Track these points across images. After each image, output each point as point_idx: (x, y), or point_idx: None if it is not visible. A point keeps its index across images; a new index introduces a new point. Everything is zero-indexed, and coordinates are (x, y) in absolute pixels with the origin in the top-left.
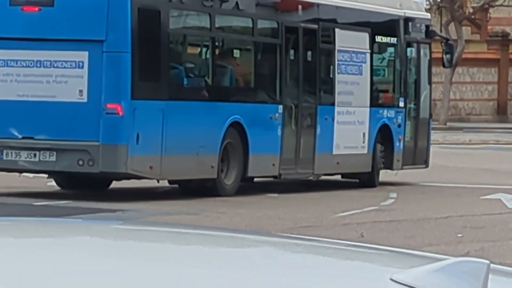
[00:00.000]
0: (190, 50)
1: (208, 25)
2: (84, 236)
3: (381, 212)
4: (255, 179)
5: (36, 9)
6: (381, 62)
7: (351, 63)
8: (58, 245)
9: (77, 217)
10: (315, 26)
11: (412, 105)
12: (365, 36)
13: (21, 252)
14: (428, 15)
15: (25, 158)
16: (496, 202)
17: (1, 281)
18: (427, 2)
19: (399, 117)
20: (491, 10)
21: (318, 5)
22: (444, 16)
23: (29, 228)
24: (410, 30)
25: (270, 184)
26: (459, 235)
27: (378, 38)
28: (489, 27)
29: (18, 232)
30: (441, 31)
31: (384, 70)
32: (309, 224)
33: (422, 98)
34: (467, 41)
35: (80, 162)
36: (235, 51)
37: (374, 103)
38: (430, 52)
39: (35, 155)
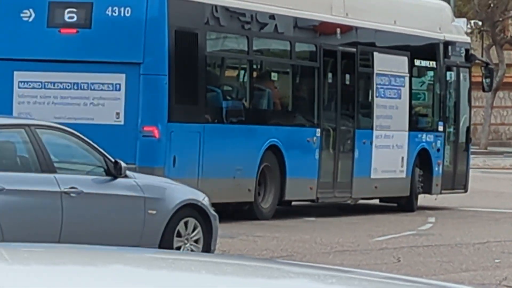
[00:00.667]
0: (228, 73)
1: (246, 48)
2: (117, 264)
3: (418, 236)
4: (293, 203)
5: (74, 31)
6: (420, 86)
7: (389, 86)
8: (92, 273)
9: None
10: (354, 49)
11: (451, 129)
12: (404, 60)
13: (55, 280)
14: (468, 39)
15: None
16: None
17: None
18: (468, 26)
19: (438, 141)
20: None
21: (356, 28)
22: (486, 40)
23: (64, 255)
24: (450, 54)
25: (308, 208)
26: (497, 261)
27: (417, 62)
28: None
29: (54, 260)
30: (482, 55)
31: (423, 94)
32: (346, 249)
33: (461, 122)
34: (509, 65)
35: None
36: (273, 74)
37: (413, 127)
38: (470, 76)
39: None
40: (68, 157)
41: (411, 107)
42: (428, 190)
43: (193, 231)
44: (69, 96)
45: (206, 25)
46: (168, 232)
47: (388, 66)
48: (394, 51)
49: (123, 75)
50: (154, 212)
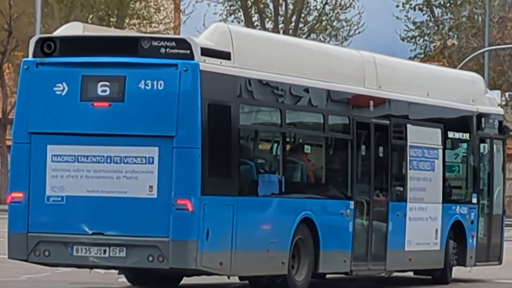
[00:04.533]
0: (261, 145)
1: (279, 121)
2: None
3: None
4: (327, 276)
5: (107, 104)
6: (454, 158)
7: (423, 159)
8: None
9: None
10: (387, 122)
11: (485, 201)
12: (438, 132)
13: None
14: (501, 111)
15: (95, 254)
16: None
17: None
18: (503, 98)
19: (472, 214)
20: None
21: (390, 100)
22: None
23: None
24: (483, 126)
25: (342, 280)
26: None
27: (451, 134)
28: None
29: None
30: None
31: (457, 166)
32: None
33: (495, 194)
34: None
35: (150, 258)
36: (306, 146)
37: (447, 199)
38: (504, 148)
39: (105, 251)
40: None
41: (444, 179)
42: (462, 262)
43: None
44: (102, 169)
45: (239, 98)
46: None
47: (422, 138)
48: (427, 123)
49: (156, 148)
50: None
